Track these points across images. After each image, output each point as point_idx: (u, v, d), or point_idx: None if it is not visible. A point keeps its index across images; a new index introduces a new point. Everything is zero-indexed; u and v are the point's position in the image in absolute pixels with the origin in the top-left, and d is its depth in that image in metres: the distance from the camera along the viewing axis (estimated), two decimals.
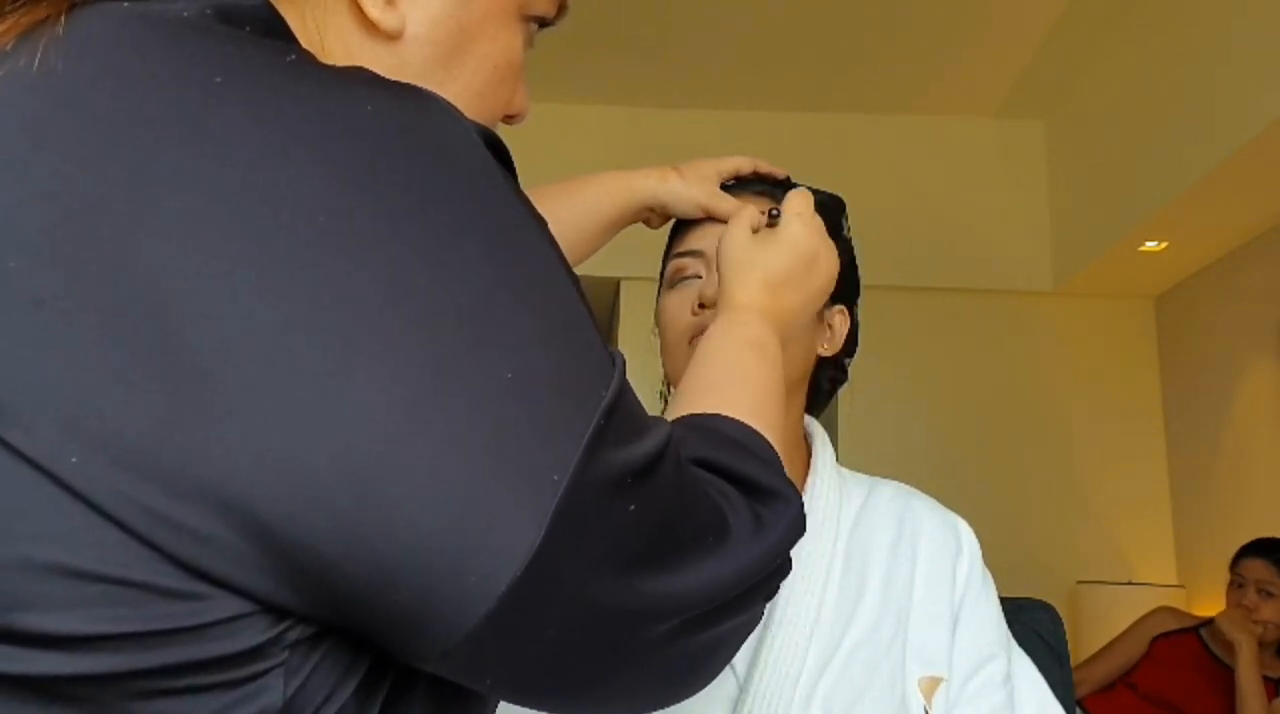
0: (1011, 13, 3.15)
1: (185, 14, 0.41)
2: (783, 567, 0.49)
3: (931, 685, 0.84)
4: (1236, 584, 2.65)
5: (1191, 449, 3.53)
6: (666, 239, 0.97)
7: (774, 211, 0.76)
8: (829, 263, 0.76)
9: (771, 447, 0.55)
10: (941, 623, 0.86)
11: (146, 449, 0.34)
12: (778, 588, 0.51)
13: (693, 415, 0.56)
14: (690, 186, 0.93)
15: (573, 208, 0.94)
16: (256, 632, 0.36)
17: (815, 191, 0.96)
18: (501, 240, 0.40)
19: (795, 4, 3.15)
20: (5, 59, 0.40)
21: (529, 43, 0.57)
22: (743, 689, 0.79)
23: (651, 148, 3.87)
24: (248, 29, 0.43)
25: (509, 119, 0.58)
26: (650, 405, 1.05)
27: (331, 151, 0.38)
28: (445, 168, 0.40)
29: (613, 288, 3.82)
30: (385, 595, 0.35)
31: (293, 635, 0.36)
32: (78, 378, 0.34)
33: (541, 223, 0.43)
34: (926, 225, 3.72)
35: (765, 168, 0.96)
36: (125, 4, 0.42)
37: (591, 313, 0.44)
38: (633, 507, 0.40)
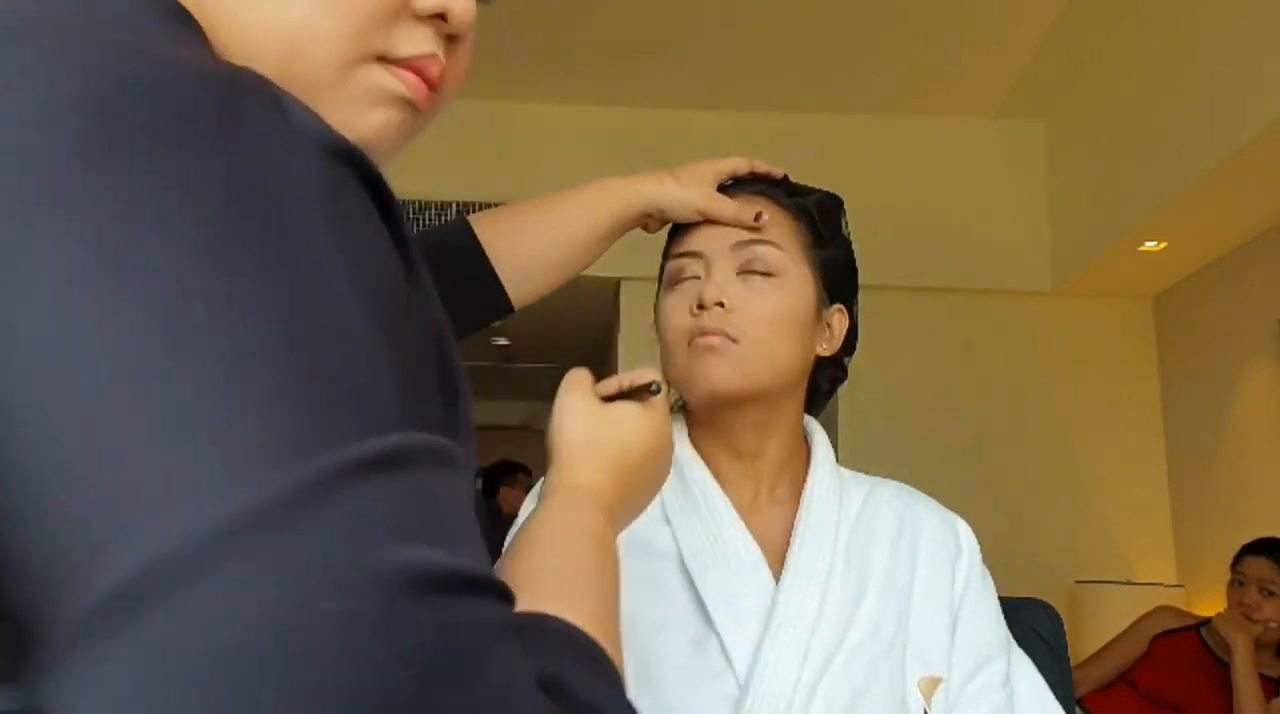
0: (1011, 13, 3.15)
1: None
2: None
3: (931, 686, 0.84)
4: (1237, 583, 2.65)
5: (1191, 449, 3.53)
6: (665, 239, 0.97)
7: (655, 386, 0.65)
8: (667, 466, 0.65)
9: (611, 663, 0.44)
10: (941, 623, 0.86)
11: None
12: None
13: (532, 616, 0.44)
14: (687, 190, 0.93)
15: (570, 216, 0.94)
16: None
17: (812, 190, 0.96)
18: (271, 246, 0.34)
19: (795, 4, 3.15)
20: None
21: None
22: (743, 689, 0.79)
23: (651, 149, 3.87)
24: None
25: (412, 69, 0.50)
26: None
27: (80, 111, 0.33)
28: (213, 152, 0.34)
29: (613, 288, 3.82)
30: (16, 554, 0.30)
31: None
32: None
33: (352, 260, 0.36)
34: (926, 225, 3.72)
35: (763, 168, 0.97)
36: None
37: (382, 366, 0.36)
38: (331, 607, 0.29)
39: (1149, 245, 3.25)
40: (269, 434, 0.31)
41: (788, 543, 0.86)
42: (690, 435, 0.93)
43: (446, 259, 0.43)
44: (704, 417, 0.92)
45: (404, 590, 0.30)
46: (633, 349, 3.69)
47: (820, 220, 0.93)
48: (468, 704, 0.31)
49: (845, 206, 0.98)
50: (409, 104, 0.50)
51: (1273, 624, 2.56)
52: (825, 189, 0.97)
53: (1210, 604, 3.05)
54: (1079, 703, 2.63)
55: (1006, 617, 0.91)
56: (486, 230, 0.92)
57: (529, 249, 0.93)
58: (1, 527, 0.31)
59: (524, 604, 0.42)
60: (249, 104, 0.36)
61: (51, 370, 0.31)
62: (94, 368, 0.31)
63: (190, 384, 0.31)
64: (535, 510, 0.57)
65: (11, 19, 0.35)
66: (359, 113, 0.49)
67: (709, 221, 0.92)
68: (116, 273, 0.32)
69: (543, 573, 0.49)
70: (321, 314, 0.34)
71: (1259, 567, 2.60)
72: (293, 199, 0.35)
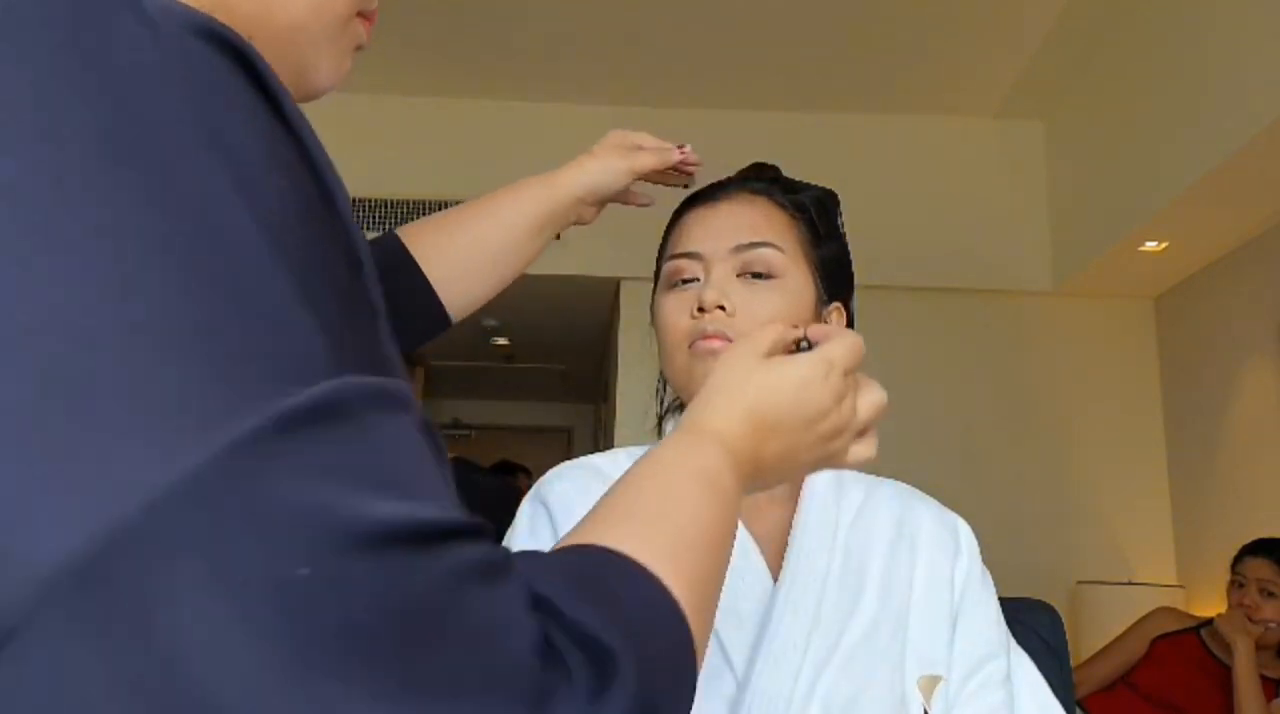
0: (1011, 13, 3.15)
1: None
2: None
3: (931, 685, 0.84)
4: (1237, 584, 2.65)
5: (1191, 449, 3.53)
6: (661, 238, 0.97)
7: (804, 342, 0.62)
8: (835, 431, 0.60)
9: (680, 629, 0.39)
10: (941, 622, 0.86)
11: None
12: None
13: (586, 549, 0.41)
14: (609, 159, 0.94)
15: (501, 216, 0.94)
16: None
17: (809, 186, 0.96)
18: (162, 180, 0.32)
19: (795, 4, 3.15)
20: None
21: None
22: (741, 687, 0.79)
23: None
24: None
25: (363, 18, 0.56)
26: (646, 406, 1.05)
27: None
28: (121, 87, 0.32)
29: (613, 288, 3.82)
30: None
31: None
32: None
33: (246, 181, 0.34)
34: (926, 225, 3.72)
35: (673, 156, 0.97)
36: None
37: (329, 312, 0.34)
38: (306, 572, 0.28)
39: (1149, 245, 3.25)
40: (191, 399, 0.29)
41: (786, 543, 0.86)
42: None
43: (381, 275, 0.41)
44: None
45: (359, 548, 0.29)
46: (632, 349, 3.69)
47: (818, 218, 0.93)
48: (445, 655, 0.30)
49: (841, 202, 0.98)
50: (359, 49, 0.57)
51: (1273, 625, 2.56)
52: (821, 185, 0.97)
53: (1211, 605, 3.05)
54: (1079, 704, 2.63)
55: (1007, 617, 0.91)
56: (414, 242, 0.91)
57: (459, 257, 0.92)
58: None
59: (582, 536, 0.42)
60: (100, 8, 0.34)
61: None
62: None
63: (103, 353, 0.29)
64: (659, 445, 0.53)
65: None
66: (343, 60, 0.55)
67: (709, 211, 0.92)
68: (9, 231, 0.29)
69: (616, 505, 0.46)
70: (222, 256, 0.32)
71: (1259, 567, 2.60)
72: (171, 131, 0.33)
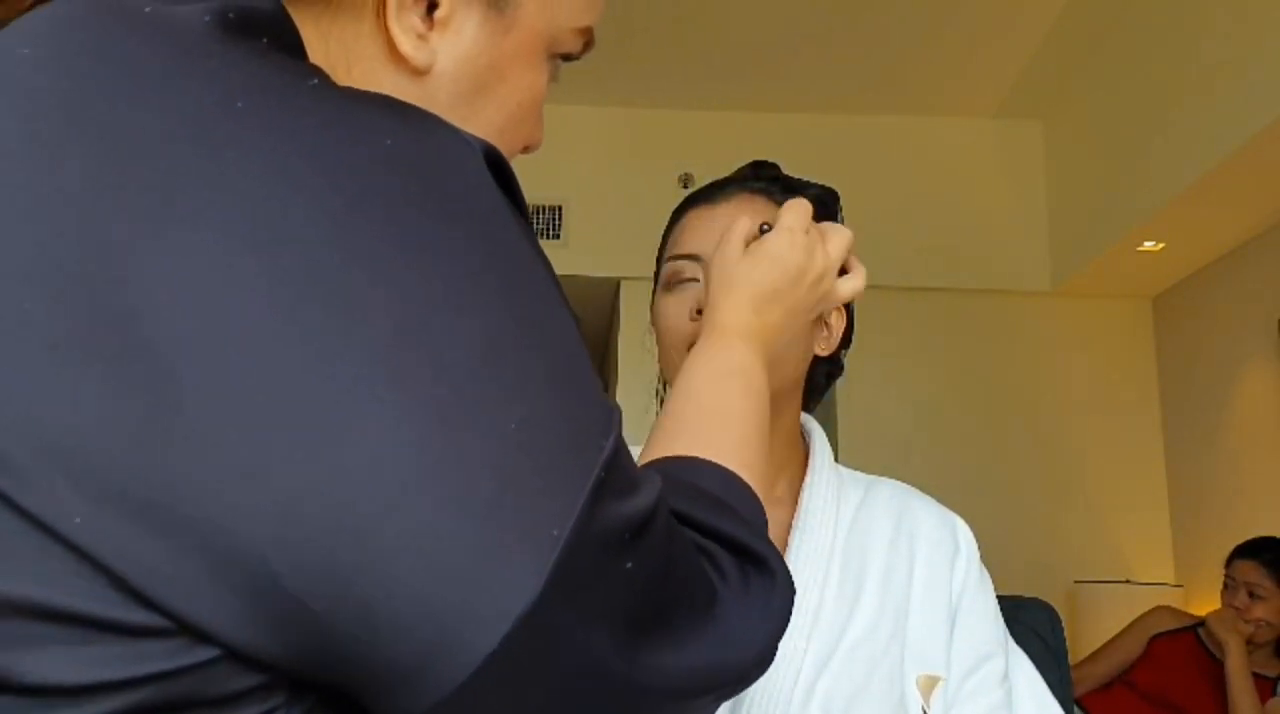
0: (1011, 13, 3.15)
1: (206, 19, 0.39)
2: (766, 658, 0.46)
3: (930, 684, 0.84)
4: (1229, 585, 2.66)
5: (1189, 449, 3.54)
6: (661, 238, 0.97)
7: (765, 226, 0.74)
8: (818, 277, 0.72)
9: (754, 498, 0.53)
10: (939, 622, 0.86)
11: (139, 487, 0.33)
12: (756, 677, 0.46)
13: (670, 462, 0.53)
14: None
15: None
16: (231, 681, 0.34)
17: (809, 184, 0.96)
18: (511, 283, 0.39)
19: (795, 5, 3.15)
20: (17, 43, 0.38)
21: (553, 78, 0.56)
22: None
23: (651, 149, 3.87)
24: (265, 40, 0.41)
25: (524, 151, 0.57)
26: (646, 405, 1.05)
27: (348, 186, 0.36)
28: (460, 207, 0.39)
29: (613, 288, 3.81)
30: (373, 649, 0.34)
31: (269, 689, 0.35)
32: (67, 416, 0.33)
33: (547, 264, 0.42)
34: (926, 225, 3.72)
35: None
36: (146, 9, 0.40)
37: (589, 359, 0.43)
38: (630, 564, 0.38)
39: (1148, 245, 3.25)
40: (565, 466, 0.37)
41: (786, 542, 0.86)
42: None
43: None
44: None
45: (635, 541, 0.39)
46: (632, 349, 3.69)
47: (819, 217, 0.92)
48: (682, 596, 0.42)
49: (840, 199, 0.98)
50: None
51: (1264, 624, 2.56)
52: (821, 183, 0.97)
53: (1209, 604, 3.05)
54: (1077, 703, 2.64)
55: (1005, 616, 0.91)
56: None
57: None
58: (332, 619, 0.34)
59: (677, 447, 0.54)
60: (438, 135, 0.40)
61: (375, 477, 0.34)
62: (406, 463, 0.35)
63: (516, 450, 0.36)
64: (692, 353, 0.66)
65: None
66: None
67: (708, 211, 0.92)
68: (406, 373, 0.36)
69: (685, 418, 0.59)
70: (564, 334, 0.40)
71: (1247, 570, 2.61)
72: (510, 233, 0.40)
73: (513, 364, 0.37)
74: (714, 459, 0.53)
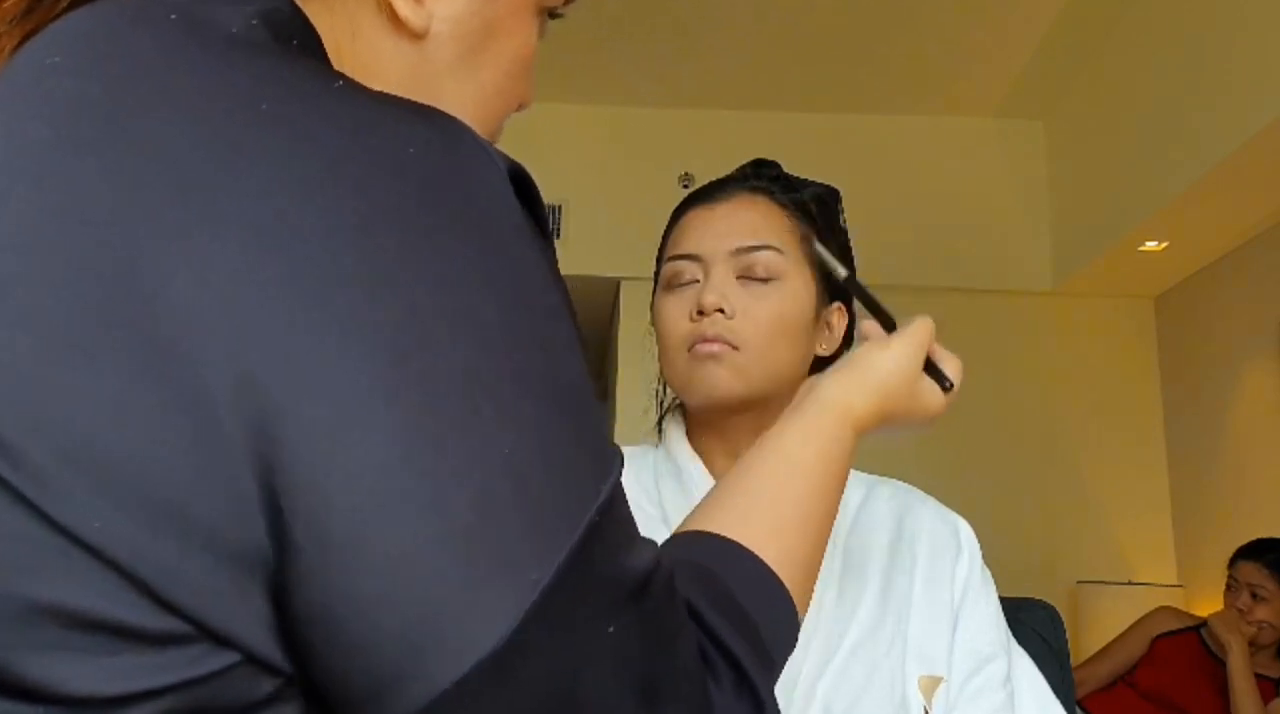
0: (1011, 13, 3.15)
1: (234, 29, 0.40)
2: None
3: (931, 685, 0.83)
4: (1232, 586, 2.66)
5: (1191, 449, 3.53)
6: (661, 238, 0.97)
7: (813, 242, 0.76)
8: (928, 409, 0.72)
9: (785, 602, 0.51)
10: (941, 623, 0.86)
11: (159, 490, 0.33)
12: None
13: (712, 542, 0.52)
14: None
15: None
16: (250, 687, 0.35)
17: (810, 183, 0.95)
18: (526, 306, 0.38)
19: (795, 4, 3.15)
20: (41, 55, 0.39)
21: (541, 34, 0.56)
22: None
23: (651, 148, 3.87)
24: (295, 43, 0.42)
25: (518, 108, 0.57)
26: (646, 406, 1.04)
27: (371, 190, 0.36)
28: (477, 223, 0.38)
29: (613, 288, 3.81)
30: (343, 663, 0.34)
31: (283, 697, 0.36)
32: (88, 419, 0.33)
33: (563, 289, 0.41)
34: (927, 225, 3.72)
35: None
36: (172, 16, 0.40)
37: (594, 397, 0.41)
38: (611, 629, 0.36)
39: (1149, 245, 3.25)
40: (560, 501, 0.36)
41: None
42: (689, 436, 0.93)
43: None
44: (703, 418, 0.92)
45: (635, 598, 0.38)
46: (632, 349, 3.69)
47: (819, 216, 0.92)
48: (671, 665, 0.39)
49: (841, 198, 0.97)
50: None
51: (1266, 625, 2.56)
52: (822, 183, 0.97)
53: (1211, 604, 3.05)
54: (1079, 703, 2.63)
55: (1007, 617, 0.91)
56: None
57: None
58: (320, 627, 0.34)
59: (727, 523, 0.53)
60: (468, 148, 0.40)
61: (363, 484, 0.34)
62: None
63: (504, 480, 0.35)
64: (800, 416, 0.65)
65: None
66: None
67: (708, 214, 0.91)
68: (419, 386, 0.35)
69: (758, 489, 0.57)
70: (573, 364, 0.39)
71: (1249, 571, 2.61)
72: (529, 253, 0.40)
73: (514, 389, 0.36)
74: (761, 553, 0.51)
